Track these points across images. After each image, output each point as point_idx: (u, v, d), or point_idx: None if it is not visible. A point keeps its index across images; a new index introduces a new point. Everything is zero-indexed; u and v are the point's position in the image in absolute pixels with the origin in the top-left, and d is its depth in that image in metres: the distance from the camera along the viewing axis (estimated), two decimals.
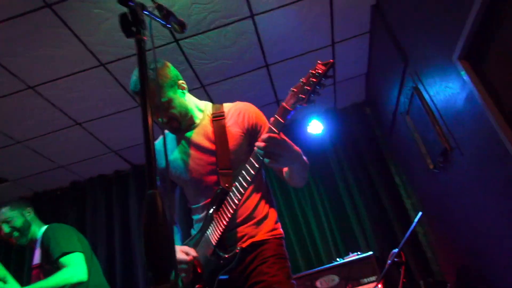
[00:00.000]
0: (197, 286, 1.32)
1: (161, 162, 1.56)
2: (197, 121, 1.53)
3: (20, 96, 3.17)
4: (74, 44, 2.81)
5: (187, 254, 1.34)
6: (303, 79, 1.15)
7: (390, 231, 3.66)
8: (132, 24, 0.88)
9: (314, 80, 1.11)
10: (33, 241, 2.18)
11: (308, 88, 1.12)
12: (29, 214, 2.19)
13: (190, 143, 1.49)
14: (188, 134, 1.51)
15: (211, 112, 1.53)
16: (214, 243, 1.30)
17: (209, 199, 1.41)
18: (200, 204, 1.46)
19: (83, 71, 3.08)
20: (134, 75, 1.46)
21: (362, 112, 4.33)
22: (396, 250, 2.25)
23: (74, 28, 2.68)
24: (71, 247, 2.01)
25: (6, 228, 2.11)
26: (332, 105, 4.37)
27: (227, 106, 1.55)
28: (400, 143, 3.66)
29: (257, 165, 1.25)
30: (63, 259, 1.95)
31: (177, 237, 1.54)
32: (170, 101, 1.42)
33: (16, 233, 2.10)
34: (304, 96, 1.13)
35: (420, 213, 2.52)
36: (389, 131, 3.84)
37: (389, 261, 2.22)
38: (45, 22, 2.59)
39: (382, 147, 4.09)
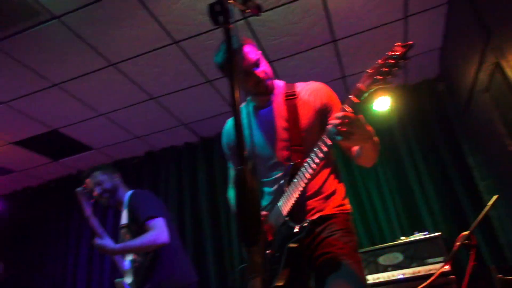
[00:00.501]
0: (268, 251, 1.43)
1: (233, 137, 1.66)
2: (271, 99, 1.61)
3: (103, 73, 3.47)
4: (151, 24, 3.00)
5: None
6: (379, 61, 1.17)
7: (459, 213, 3.52)
8: (219, 13, 0.94)
9: (391, 61, 1.12)
10: (119, 203, 2.40)
11: (385, 69, 1.13)
12: (117, 179, 2.43)
13: (264, 120, 1.57)
14: (261, 111, 1.59)
15: (284, 92, 1.59)
16: (285, 214, 1.39)
17: (281, 173, 1.49)
18: (272, 178, 1.55)
19: (158, 49, 3.28)
20: (221, 51, 1.56)
21: (433, 89, 4.11)
22: (466, 232, 2.19)
23: (151, 8, 2.85)
24: (155, 212, 2.20)
25: (97, 190, 2.35)
26: (401, 81, 4.20)
27: (299, 86, 1.61)
28: (475, 122, 3.45)
29: (329, 143, 1.30)
30: (149, 223, 2.14)
31: None
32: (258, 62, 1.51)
33: (106, 195, 2.34)
34: (380, 78, 1.14)
35: (495, 197, 2.40)
36: (463, 109, 3.62)
37: (458, 243, 2.17)
38: (126, 4, 2.79)
39: (454, 126, 3.88)
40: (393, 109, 4.05)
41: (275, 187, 1.53)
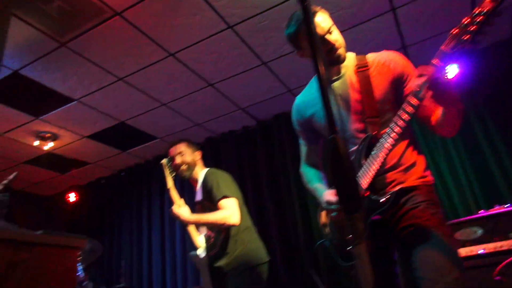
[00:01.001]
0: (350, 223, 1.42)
1: (304, 113, 1.66)
2: (342, 71, 1.57)
3: (163, 63, 3.60)
4: (205, 10, 3.03)
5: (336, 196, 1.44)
6: (465, 19, 1.09)
7: None
8: None
9: (480, 18, 1.04)
10: (194, 179, 2.49)
11: (473, 28, 1.05)
12: (198, 155, 2.51)
13: (335, 93, 1.54)
14: (333, 85, 1.56)
15: (354, 63, 1.55)
16: (365, 187, 1.36)
17: (356, 147, 1.46)
18: None
19: (214, 35, 3.32)
20: (292, 21, 1.53)
21: (509, 52, 3.77)
22: None
23: None
24: (230, 192, 2.27)
25: (178, 159, 2.44)
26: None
27: (370, 57, 1.56)
28: None
29: (409, 111, 1.26)
30: (223, 202, 2.21)
31: (323, 183, 1.64)
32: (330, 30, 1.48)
33: (184, 166, 2.44)
34: (467, 37, 1.07)
35: None
36: None
37: None
38: None
39: None
40: (462, 75, 3.78)
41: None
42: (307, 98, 1.68)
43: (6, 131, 4.46)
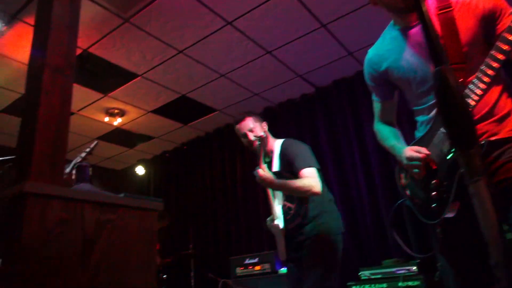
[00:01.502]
0: (433, 181, 1.33)
1: (379, 66, 1.55)
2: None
3: (221, 33, 3.59)
4: None
5: (418, 152, 1.36)
6: None
7: None
8: None
9: None
10: (268, 151, 2.43)
11: None
12: (265, 126, 2.45)
13: (414, 41, 1.42)
14: (410, 32, 1.43)
15: (436, 5, 1.40)
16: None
17: None
18: (428, 104, 1.41)
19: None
20: None
21: None
22: None
23: None
24: (311, 162, 2.23)
25: (251, 136, 2.37)
26: None
27: None
28: None
29: (506, 50, 1.12)
30: (306, 171, 2.16)
31: (400, 140, 1.55)
32: None
33: (258, 141, 2.40)
34: None
35: None
36: None
37: None
38: None
39: None
40: None
41: (432, 113, 1.39)
42: (380, 51, 1.57)
43: (79, 109, 4.78)
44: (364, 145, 4.15)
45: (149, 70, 4.07)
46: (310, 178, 2.14)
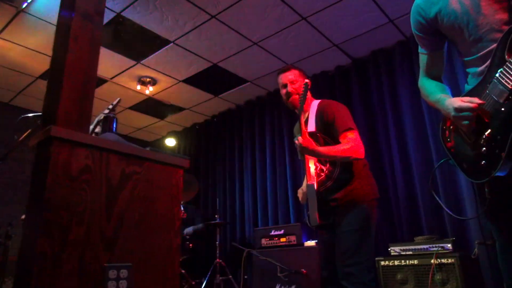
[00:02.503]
0: (485, 135, 1.19)
1: (428, 13, 1.40)
2: None
3: None
4: None
5: (470, 102, 1.22)
6: None
7: None
8: None
9: None
10: (306, 110, 2.26)
11: None
12: (306, 84, 2.20)
13: None
14: None
15: None
16: (510, 88, 1.11)
17: (494, 45, 1.19)
18: (482, 52, 1.26)
19: None
20: None
21: None
22: None
23: None
24: (352, 124, 2.11)
25: (290, 87, 2.24)
26: None
27: None
28: None
29: None
30: (349, 134, 2.04)
31: (448, 93, 1.41)
32: None
33: (297, 95, 2.21)
34: None
35: None
36: None
37: None
38: None
39: None
40: None
41: (487, 62, 1.24)
42: None
43: (113, 76, 4.82)
44: (400, 121, 3.96)
45: (181, 36, 4.01)
46: (351, 142, 2.01)
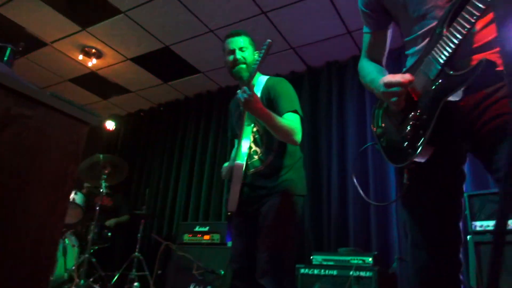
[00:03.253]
0: (411, 114, 1.09)
1: None
2: None
3: None
4: None
5: (401, 77, 1.11)
6: None
7: None
8: None
9: None
10: (249, 83, 1.91)
11: None
12: (259, 58, 1.90)
13: None
14: None
15: None
16: (441, 63, 1.02)
17: (434, 23, 1.10)
18: (421, 31, 1.17)
19: None
20: None
21: None
22: None
23: None
24: (298, 107, 1.93)
25: (238, 54, 2.00)
26: None
27: None
28: None
29: None
30: (293, 115, 1.87)
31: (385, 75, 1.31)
32: None
33: (243, 65, 1.99)
34: None
35: None
36: None
37: None
38: None
39: None
40: None
41: (425, 41, 1.15)
42: None
43: (54, 41, 4.42)
44: (344, 135, 3.94)
45: (133, 8, 3.74)
46: (294, 124, 1.84)
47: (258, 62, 1.81)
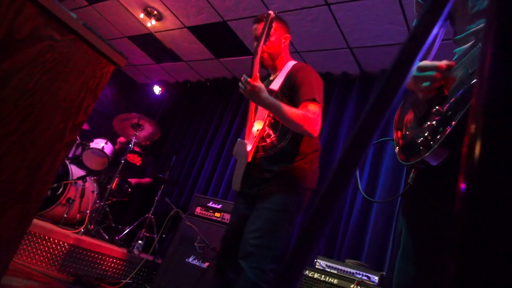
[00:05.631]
0: (435, 108, 0.93)
1: None
2: None
3: None
4: None
5: (437, 61, 0.98)
6: None
7: None
8: None
9: None
10: (275, 67, 2.01)
11: None
12: (287, 40, 2.00)
13: None
14: None
15: None
16: None
17: None
18: (475, 28, 1.02)
19: None
20: None
21: None
22: None
23: None
24: (321, 98, 1.83)
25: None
26: None
27: None
28: None
29: None
30: (312, 105, 1.76)
31: None
32: None
33: (271, 49, 1.93)
34: None
35: None
36: None
37: None
38: None
39: None
40: None
41: (473, 39, 1.00)
42: None
43: None
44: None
45: None
46: (310, 113, 1.72)
47: (261, 33, 1.77)
